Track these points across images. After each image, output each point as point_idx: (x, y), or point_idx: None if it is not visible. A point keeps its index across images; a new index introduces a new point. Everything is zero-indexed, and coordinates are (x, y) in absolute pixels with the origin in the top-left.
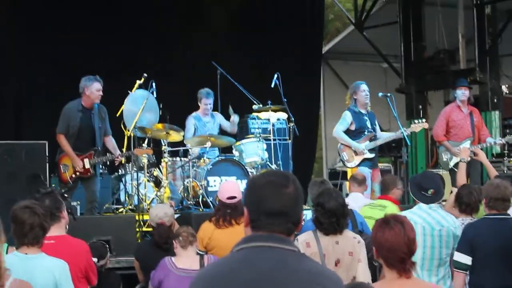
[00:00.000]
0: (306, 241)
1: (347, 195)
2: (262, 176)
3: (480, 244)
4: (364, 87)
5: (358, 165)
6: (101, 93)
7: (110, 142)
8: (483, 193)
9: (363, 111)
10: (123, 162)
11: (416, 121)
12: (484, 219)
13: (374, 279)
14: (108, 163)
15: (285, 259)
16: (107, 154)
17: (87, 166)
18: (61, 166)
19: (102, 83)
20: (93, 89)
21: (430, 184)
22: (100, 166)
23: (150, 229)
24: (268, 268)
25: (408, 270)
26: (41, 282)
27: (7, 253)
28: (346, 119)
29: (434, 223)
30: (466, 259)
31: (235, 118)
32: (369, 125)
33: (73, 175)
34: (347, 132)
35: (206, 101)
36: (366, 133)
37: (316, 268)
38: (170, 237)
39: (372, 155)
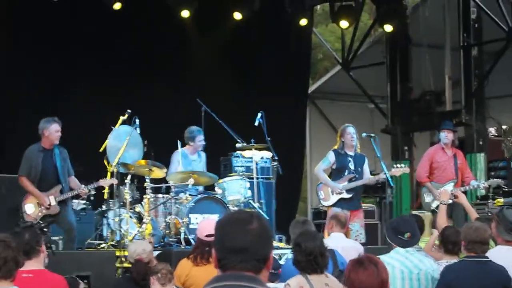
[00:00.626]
0: (300, 285)
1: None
2: (227, 215)
3: (458, 286)
4: (350, 130)
5: (333, 204)
6: (59, 134)
7: (73, 181)
8: (462, 236)
9: (350, 153)
10: (89, 193)
11: (397, 165)
12: (463, 261)
13: None
14: (91, 198)
15: None
16: (71, 190)
17: (53, 203)
18: (25, 207)
19: (61, 124)
20: (52, 130)
21: (406, 228)
22: (73, 201)
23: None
24: None
25: None
26: None
27: None
28: (329, 158)
29: (412, 267)
30: None
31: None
32: (352, 166)
33: (39, 214)
34: (329, 171)
35: (200, 137)
36: (346, 173)
37: None
38: (148, 273)
39: (349, 196)
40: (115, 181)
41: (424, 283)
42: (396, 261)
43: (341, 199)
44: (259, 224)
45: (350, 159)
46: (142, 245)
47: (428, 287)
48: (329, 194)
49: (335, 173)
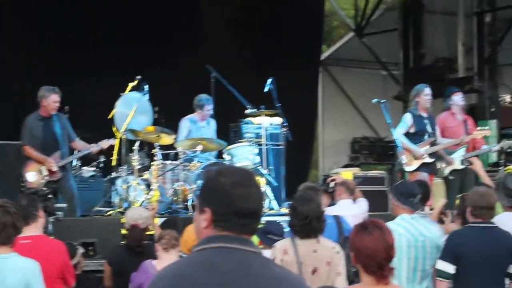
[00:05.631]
0: (284, 248)
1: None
2: (228, 175)
3: (464, 252)
4: (428, 90)
5: (417, 169)
6: (58, 104)
7: (78, 143)
8: (468, 202)
9: (424, 114)
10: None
11: (479, 127)
12: (469, 227)
13: None
14: (101, 165)
15: (248, 262)
16: (74, 152)
17: (55, 169)
18: (26, 175)
19: (60, 94)
20: (50, 101)
21: (417, 190)
22: (82, 168)
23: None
24: (229, 271)
25: (386, 276)
26: (11, 282)
27: None
28: (406, 121)
29: (417, 234)
30: (450, 268)
31: None
32: (429, 129)
33: (42, 181)
34: (407, 135)
35: (208, 107)
36: (426, 137)
37: (280, 273)
38: (144, 240)
39: (431, 160)
40: (113, 142)
41: (429, 250)
42: (402, 228)
43: (423, 164)
44: (258, 185)
45: (426, 121)
46: (138, 211)
47: (433, 255)
48: (411, 159)
49: (414, 137)
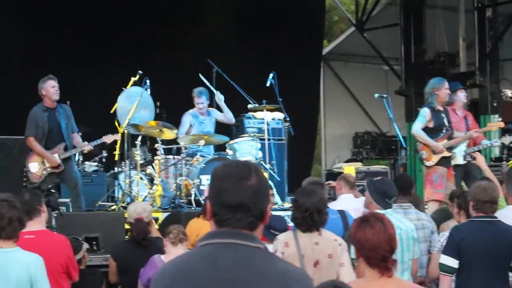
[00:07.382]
0: (285, 241)
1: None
2: (223, 168)
3: (467, 247)
4: (447, 84)
5: (436, 164)
6: (56, 89)
7: (76, 138)
8: (470, 196)
9: (441, 108)
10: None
11: (492, 119)
12: (472, 221)
13: None
14: (104, 160)
15: (249, 258)
16: (75, 147)
17: (58, 161)
18: (29, 166)
19: (56, 80)
20: (48, 87)
21: (393, 191)
22: (85, 163)
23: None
24: (231, 267)
25: (389, 269)
26: (16, 276)
27: None
28: (425, 116)
29: (394, 227)
30: (453, 262)
31: (219, 96)
32: (446, 122)
33: (44, 172)
34: (425, 129)
35: (198, 100)
36: (444, 131)
37: (283, 268)
38: (148, 233)
39: (450, 154)
40: (118, 137)
41: (406, 242)
42: None
43: (442, 158)
44: (257, 179)
45: (443, 115)
46: (142, 205)
47: (410, 247)
48: (430, 154)
49: (432, 132)
